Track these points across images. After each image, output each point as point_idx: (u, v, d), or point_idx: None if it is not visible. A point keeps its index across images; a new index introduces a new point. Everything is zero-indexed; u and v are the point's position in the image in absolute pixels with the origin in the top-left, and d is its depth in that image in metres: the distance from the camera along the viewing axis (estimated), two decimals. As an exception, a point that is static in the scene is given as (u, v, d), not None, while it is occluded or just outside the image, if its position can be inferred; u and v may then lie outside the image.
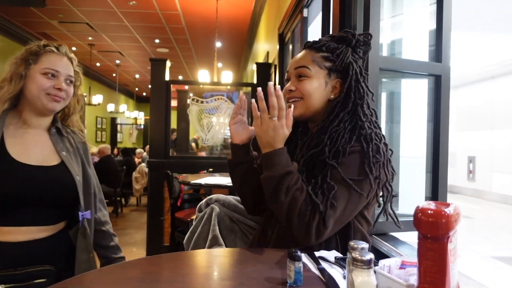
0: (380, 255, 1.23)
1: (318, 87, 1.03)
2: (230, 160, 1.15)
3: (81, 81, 1.28)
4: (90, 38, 7.48)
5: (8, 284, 1.00)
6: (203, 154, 4.98)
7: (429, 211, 0.54)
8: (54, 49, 1.19)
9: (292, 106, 1.03)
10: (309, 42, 1.09)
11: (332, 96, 1.04)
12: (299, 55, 1.08)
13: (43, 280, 1.06)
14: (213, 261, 0.94)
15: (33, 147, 1.15)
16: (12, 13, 6.01)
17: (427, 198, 1.62)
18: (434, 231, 0.53)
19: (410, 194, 1.93)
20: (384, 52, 1.96)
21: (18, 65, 1.14)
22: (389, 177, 1.00)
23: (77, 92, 1.26)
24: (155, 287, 0.74)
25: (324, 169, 0.95)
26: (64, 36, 7.27)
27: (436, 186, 1.51)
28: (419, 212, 0.54)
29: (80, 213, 1.17)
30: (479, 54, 9.44)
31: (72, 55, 1.25)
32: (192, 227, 1.32)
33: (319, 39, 1.09)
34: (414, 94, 1.91)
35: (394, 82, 1.91)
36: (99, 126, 11.70)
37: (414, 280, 0.59)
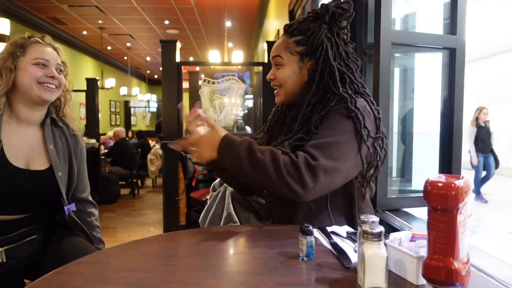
0: (393, 229, 1.24)
1: (291, 74, 1.05)
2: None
3: (67, 72, 1.27)
4: (100, 22, 7.46)
5: (5, 246, 1.11)
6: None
7: (439, 184, 0.54)
8: (39, 39, 1.19)
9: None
10: (286, 25, 1.09)
11: (306, 79, 1.04)
12: (277, 42, 1.10)
13: (35, 236, 1.17)
14: (228, 237, 0.97)
15: (25, 147, 1.18)
16: (22, -1, 6.04)
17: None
18: (443, 203, 0.53)
19: (424, 170, 1.93)
20: (397, 27, 1.92)
21: (5, 60, 1.14)
22: (381, 138, 0.98)
23: (66, 82, 1.26)
24: (172, 262, 0.77)
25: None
26: (74, 20, 7.28)
27: (450, 162, 1.50)
28: (429, 185, 0.55)
29: (65, 207, 1.22)
30: (498, 24, 9.08)
31: (56, 45, 1.25)
32: (207, 206, 1.35)
33: (295, 20, 1.08)
34: (428, 69, 1.88)
35: (408, 57, 1.87)
36: (112, 109, 11.82)
37: (424, 252, 0.60)
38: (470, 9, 1.49)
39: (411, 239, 0.68)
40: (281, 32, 1.14)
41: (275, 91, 1.11)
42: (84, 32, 8.26)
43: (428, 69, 1.89)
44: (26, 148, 1.18)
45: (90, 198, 1.39)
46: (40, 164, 1.19)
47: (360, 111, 0.94)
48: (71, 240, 1.22)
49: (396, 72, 1.90)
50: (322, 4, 1.06)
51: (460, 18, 1.44)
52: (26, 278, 1.22)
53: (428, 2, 2.01)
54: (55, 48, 1.23)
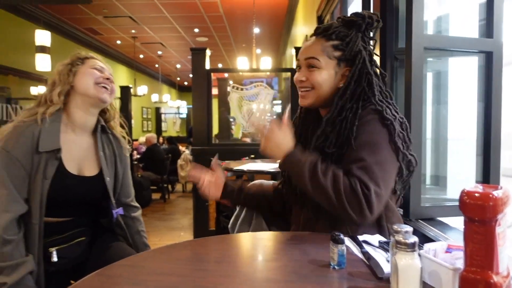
0: (427, 239, 1.21)
1: (328, 78, 1.04)
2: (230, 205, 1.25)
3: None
4: (133, 31, 7.74)
5: (56, 247, 1.20)
6: (247, 140, 5.03)
7: (476, 194, 0.53)
8: (94, 56, 1.32)
9: (287, 109, 1.10)
10: (320, 28, 1.08)
11: (341, 85, 1.04)
12: (309, 43, 1.08)
13: (83, 238, 1.26)
14: (257, 243, 0.98)
15: (78, 154, 1.26)
16: (61, 11, 6.35)
17: (478, 183, 1.55)
18: (481, 215, 0.52)
19: (460, 178, 1.86)
20: (430, 30, 1.87)
21: (65, 66, 1.25)
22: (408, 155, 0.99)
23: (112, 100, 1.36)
24: (203, 267, 0.79)
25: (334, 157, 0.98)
26: (109, 30, 7.58)
27: (488, 169, 1.44)
28: (465, 195, 0.53)
29: (113, 211, 1.31)
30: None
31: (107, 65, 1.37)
32: (236, 212, 1.37)
33: (330, 24, 1.07)
34: (462, 73, 1.81)
35: (441, 60, 1.82)
36: (144, 116, 12.17)
37: (460, 264, 0.58)
38: (508, 9, 1.44)
39: (446, 250, 0.66)
40: (309, 37, 1.14)
41: (302, 93, 1.07)
42: (118, 42, 8.58)
43: (463, 72, 1.83)
44: (79, 155, 1.26)
45: (135, 203, 1.46)
46: (90, 170, 1.28)
47: (394, 120, 0.97)
48: (115, 245, 1.30)
49: (429, 75, 1.85)
50: (357, 13, 1.06)
51: (497, 20, 1.39)
52: (72, 279, 1.30)
53: (462, 3, 1.95)
54: (106, 66, 1.34)
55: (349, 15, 1.08)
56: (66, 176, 1.19)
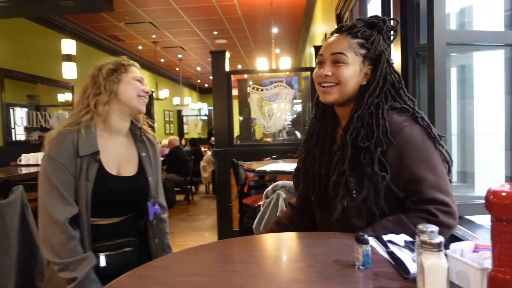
0: (454, 238, 1.19)
1: (354, 74, 1.05)
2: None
3: None
4: (153, 36, 7.89)
5: (105, 252, 1.24)
6: (269, 140, 5.04)
7: (503, 193, 0.52)
8: (135, 63, 1.40)
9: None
10: (345, 26, 1.09)
11: (364, 82, 1.06)
12: (334, 39, 1.09)
13: (130, 248, 1.30)
14: (282, 244, 0.99)
15: (117, 156, 1.33)
16: (85, 20, 6.56)
17: (507, 178, 1.51)
18: (508, 214, 0.51)
19: (489, 174, 1.81)
20: (452, 23, 1.83)
21: (109, 74, 1.31)
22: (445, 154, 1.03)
23: None
24: (230, 268, 0.81)
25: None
26: (130, 36, 7.76)
27: (517, 165, 1.40)
28: (491, 195, 0.53)
29: (151, 209, 1.37)
30: None
31: None
32: (260, 213, 1.39)
33: (354, 23, 1.08)
34: (488, 66, 1.76)
35: (465, 55, 1.78)
36: (167, 119, 12.38)
37: (488, 263, 0.57)
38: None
39: (474, 250, 0.66)
40: (329, 35, 1.15)
41: (325, 89, 1.07)
42: (140, 47, 8.77)
43: (489, 65, 1.78)
44: (117, 157, 1.33)
45: (164, 204, 1.52)
46: (129, 170, 1.35)
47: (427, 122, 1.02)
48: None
49: (453, 70, 1.81)
50: (377, 16, 1.08)
51: (524, 11, 1.35)
52: None
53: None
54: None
55: (368, 16, 1.10)
56: (107, 177, 1.27)
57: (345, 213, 1.03)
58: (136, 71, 1.37)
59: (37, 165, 3.35)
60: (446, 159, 1.02)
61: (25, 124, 5.46)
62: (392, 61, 1.09)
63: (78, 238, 1.19)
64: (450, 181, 1.03)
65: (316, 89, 1.12)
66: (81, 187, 1.21)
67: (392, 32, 1.09)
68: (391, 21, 1.09)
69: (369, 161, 0.98)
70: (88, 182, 1.21)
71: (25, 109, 5.50)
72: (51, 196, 1.18)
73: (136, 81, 1.34)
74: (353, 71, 1.05)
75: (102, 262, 1.23)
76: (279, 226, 1.24)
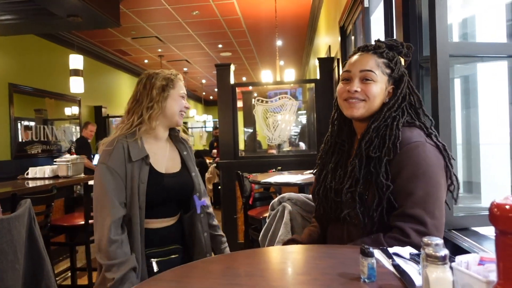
0: (460, 250, 1.18)
1: (381, 92, 1.08)
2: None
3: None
4: (159, 50, 8.01)
5: (156, 258, 1.35)
6: (273, 151, 5.05)
7: (506, 206, 0.52)
8: (181, 78, 1.54)
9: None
10: (370, 46, 1.13)
11: (386, 100, 1.09)
12: (360, 57, 1.12)
13: (176, 255, 1.40)
14: (288, 257, 0.99)
15: (163, 157, 1.47)
16: (92, 36, 6.68)
17: (513, 189, 1.50)
18: (511, 227, 0.51)
19: (495, 183, 1.79)
20: (455, 33, 1.84)
21: (161, 90, 1.44)
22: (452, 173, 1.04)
23: None
24: (237, 281, 0.81)
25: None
26: (136, 50, 7.88)
27: (524, 175, 1.39)
28: (495, 207, 0.53)
29: (200, 201, 1.48)
30: None
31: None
32: (266, 225, 1.39)
33: (378, 44, 1.12)
34: (492, 76, 1.77)
35: (469, 66, 1.78)
36: (172, 131, 12.45)
37: (494, 276, 0.57)
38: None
39: (479, 262, 0.65)
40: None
41: (352, 103, 1.09)
42: (146, 61, 8.89)
43: (493, 75, 1.79)
44: (164, 158, 1.47)
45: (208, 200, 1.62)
46: (174, 167, 1.49)
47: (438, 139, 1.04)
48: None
49: (457, 81, 1.81)
50: (395, 40, 1.14)
51: (526, 22, 1.36)
52: None
53: (488, 4, 1.91)
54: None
55: (387, 39, 1.15)
56: (158, 176, 1.39)
57: (355, 224, 1.03)
58: (181, 86, 1.50)
59: (44, 178, 3.38)
60: (452, 183, 1.03)
61: (34, 137, 5.53)
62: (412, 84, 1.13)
63: (124, 241, 1.28)
64: (451, 205, 1.06)
65: (340, 105, 1.14)
66: (134, 190, 1.31)
67: (406, 57, 1.15)
68: (408, 47, 1.14)
69: (378, 170, 1.00)
70: (142, 184, 1.32)
71: (33, 123, 5.58)
72: (101, 200, 1.29)
73: (181, 98, 1.48)
74: (380, 89, 1.08)
75: (155, 267, 1.32)
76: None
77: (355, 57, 1.12)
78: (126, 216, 1.32)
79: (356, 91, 1.08)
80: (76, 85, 4.85)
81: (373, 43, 1.15)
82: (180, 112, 1.47)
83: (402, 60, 1.16)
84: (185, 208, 1.51)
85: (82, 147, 5.01)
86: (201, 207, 1.48)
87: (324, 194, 1.14)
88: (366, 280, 0.74)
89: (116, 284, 1.23)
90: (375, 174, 1.00)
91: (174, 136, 1.56)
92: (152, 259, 1.34)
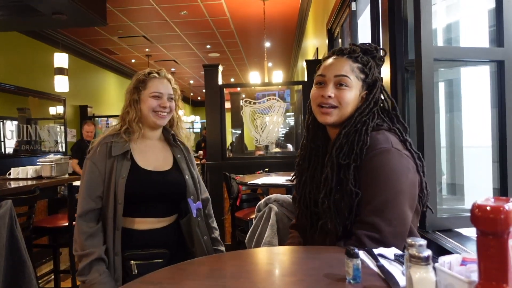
0: (444, 251, 1.20)
1: (354, 98, 1.06)
2: None
3: (179, 95, 1.55)
4: (147, 50, 7.93)
5: (136, 261, 1.31)
6: (261, 153, 5.05)
7: (487, 207, 0.53)
8: (156, 74, 1.46)
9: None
10: (345, 50, 1.10)
11: (359, 105, 1.07)
12: (335, 61, 1.09)
13: (160, 260, 1.35)
14: (274, 258, 0.99)
15: (152, 155, 1.45)
16: (78, 34, 6.58)
17: (495, 190, 1.53)
18: (492, 228, 0.52)
19: (477, 186, 1.83)
20: (440, 38, 1.88)
21: (132, 93, 1.44)
22: (423, 179, 1.03)
23: (178, 104, 1.54)
24: (222, 283, 0.80)
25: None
26: (124, 50, 7.79)
27: (505, 176, 1.43)
28: (476, 209, 0.54)
29: (195, 205, 1.44)
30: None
31: (169, 76, 1.52)
32: (252, 227, 1.39)
33: (352, 48, 1.10)
34: (475, 80, 1.81)
35: (453, 70, 1.82)
36: (159, 131, 12.35)
37: (475, 276, 0.58)
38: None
39: (461, 263, 0.66)
40: (320, 50, 1.19)
41: (324, 110, 1.07)
42: (133, 61, 8.80)
43: (476, 79, 1.82)
44: (153, 157, 1.45)
45: (207, 195, 1.62)
46: (164, 167, 1.46)
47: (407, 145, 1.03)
48: None
49: (441, 85, 1.85)
50: (369, 43, 1.12)
51: (507, 27, 1.39)
52: None
53: (472, 10, 1.95)
54: (168, 79, 1.50)
55: (361, 43, 1.14)
56: (141, 172, 1.38)
57: (335, 233, 1.03)
58: (155, 85, 1.44)
59: (26, 179, 3.31)
60: (423, 191, 1.03)
61: (15, 137, 5.41)
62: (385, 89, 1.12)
63: (96, 234, 1.30)
64: (421, 212, 1.05)
65: (313, 110, 1.11)
66: (112, 184, 1.33)
67: (380, 62, 1.12)
68: (381, 51, 1.12)
69: (347, 177, 0.99)
70: (122, 178, 1.33)
71: (15, 122, 5.46)
72: (79, 193, 1.34)
73: (152, 98, 1.42)
74: (354, 95, 1.06)
75: (134, 269, 1.30)
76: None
77: (330, 60, 1.10)
78: (102, 209, 1.35)
79: (330, 96, 1.05)
80: (61, 84, 4.76)
81: (347, 46, 1.13)
82: (154, 112, 1.42)
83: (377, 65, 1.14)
84: (181, 213, 1.48)
85: (77, 150, 4.76)
86: (197, 210, 1.44)
87: (305, 205, 1.13)
88: (351, 281, 0.74)
89: (83, 272, 1.25)
90: (345, 182, 0.99)
91: (168, 139, 1.53)
92: (132, 261, 1.32)
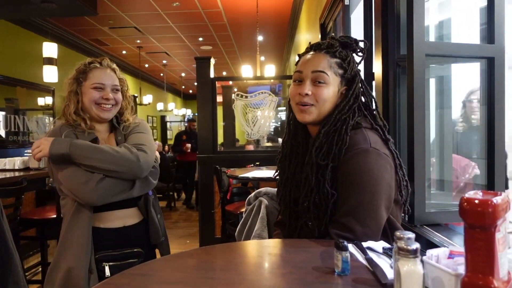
0: (432, 245, 1.21)
1: (333, 95, 1.04)
2: None
3: (127, 86, 1.47)
4: (138, 41, 7.83)
5: (109, 263, 1.26)
6: (251, 147, 5.05)
7: (475, 201, 0.54)
8: (98, 64, 1.37)
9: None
10: (323, 44, 1.07)
11: (338, 102, 1.05)
12: (313, 56, 1.06)
13: (135, 260, 1.31)
14: (264, 251, 0.99)
15: (101, 143, 1.37)
16: (68, 23, 6.46)
17: (482, 186, 1.55)
18: (480, 221, 0.53)
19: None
20: (432, 35, 1.88)
21: (72, 84, 1.36)
22: (401, 177, 1.03)
23: (127, 95, 1.46)
24: (211, 275, 0.80)
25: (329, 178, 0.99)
26: (114, 41, 7.68)
27: (492, 172, 1.44)
28: (465, 202, 0.55)
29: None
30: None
31: (114, 66, 1.43)
32: (242, 220, 1.38)
33: (330, 43, 1.07)
34: (466, 77, 1.82)
35: (444, 66, 1.83)
36: (150, 124, 12.25)
37: (462, 269, 0.59)
38: (511, 13, 1.44)
39: (449, 256, 0.67)
40: (304, 51, 1.15)
41: (303, 108, 1.04)
42: (124, 52, 8.68)
43: (466, 76, 1.84)
44: (102, 143, 1.38)
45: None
46: None
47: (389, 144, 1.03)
48: None
49: (432, 81, 1.86)
50: (349, 36, 1.09)
51: (498, 25, 1.40)
52: None
53: (464, 8, 1.96)
54: (113, 69, 1.41)
55: (340, 36, 1.11)
56: None
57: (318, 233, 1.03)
58: (97, 76, 1.35)
59: (14, 170, 3.25)
60: (401, 190, 1.02)
61: (2, 128, 5.31)
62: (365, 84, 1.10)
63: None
64: (401, 215, 1.06)
65: (292, 108, 1.09)
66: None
67: (360, 54, 1.09)
68: (361, 43, 1.09)
69: (325, 177, 0.98)
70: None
71: (3, 113, 5.36)
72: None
73: (93, 90, 1.34)
74: (332, 92, 1.03)
75: (107, 272, 1.25)
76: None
77: (307, 56, 1.07)
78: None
79: (307, 94, 1.03)
80: (50, 74, 4.68)
81: (326, 40, 1.10)
82: (97, 105, 1.35)
83: (357, 58, 1.11)
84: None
85: None
86: (152, 192, 1.43)
87: (285, 203, 1.13)
88: (340, 273, 0.75)
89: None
90: (321, 182, 0.99)
91: (112, 125, 1.46)
92: (105, 263, 1.26)
